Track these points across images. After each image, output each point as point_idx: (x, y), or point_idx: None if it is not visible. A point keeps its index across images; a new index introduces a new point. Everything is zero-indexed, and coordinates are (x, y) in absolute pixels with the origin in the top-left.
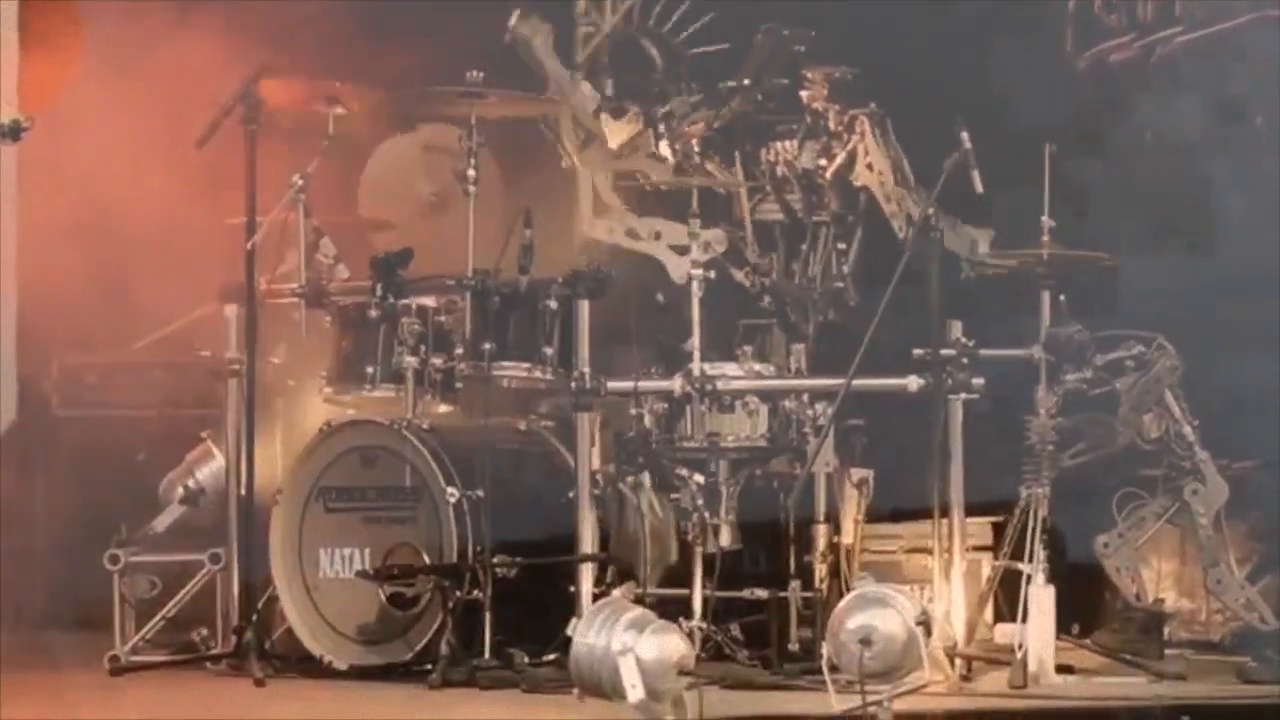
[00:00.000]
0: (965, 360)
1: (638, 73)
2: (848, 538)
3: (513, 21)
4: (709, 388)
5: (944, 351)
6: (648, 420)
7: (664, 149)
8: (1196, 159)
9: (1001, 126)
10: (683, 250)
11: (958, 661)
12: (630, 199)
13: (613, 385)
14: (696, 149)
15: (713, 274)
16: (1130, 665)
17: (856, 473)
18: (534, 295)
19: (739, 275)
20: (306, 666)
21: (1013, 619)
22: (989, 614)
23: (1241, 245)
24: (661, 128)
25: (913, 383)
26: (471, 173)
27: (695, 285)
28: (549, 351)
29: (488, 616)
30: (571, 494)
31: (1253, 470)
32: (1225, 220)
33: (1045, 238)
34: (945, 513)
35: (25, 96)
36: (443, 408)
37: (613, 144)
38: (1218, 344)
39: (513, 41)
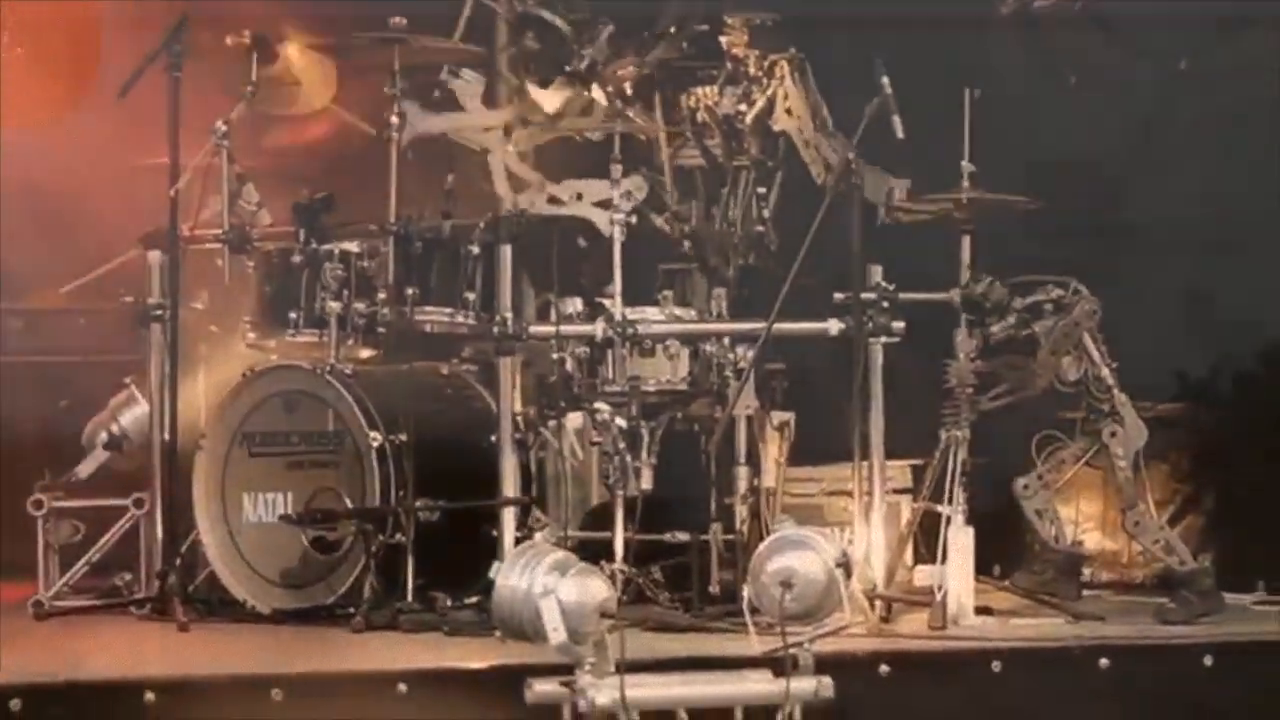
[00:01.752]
0: (885, 304)
1: (549, 42)
2: (769, 480)
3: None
4: (630, 332)
5: (864, 295)
6: (570, 364)
7: (597, 93)
8: (1119, 104)
9: (922, 72)
10: (607, 205)
11: (878, 603)
12: (551, 158)
13: (534, 329)
14: (629, 92)
15: (634, 220)
16: (1049, 606)
17: (777, 416)
18: (457, 240)
19: (659, 221)
20: (229, 611)
21: (932, 561)
22: (909, 556)
23: (1162, 189)
24: (589, 71)
25: (833, 326)
26: (395, 119)
27: (616, 231)
28: (471, 296)
29: (410, 560)
30: (493, 438)
31: (1176, 412)
32: (1144, 164)
33: (965, 183)
34: (865, 456)
35: None
36: (366, 353)
37: (550, 109)
38: (1138, 287)
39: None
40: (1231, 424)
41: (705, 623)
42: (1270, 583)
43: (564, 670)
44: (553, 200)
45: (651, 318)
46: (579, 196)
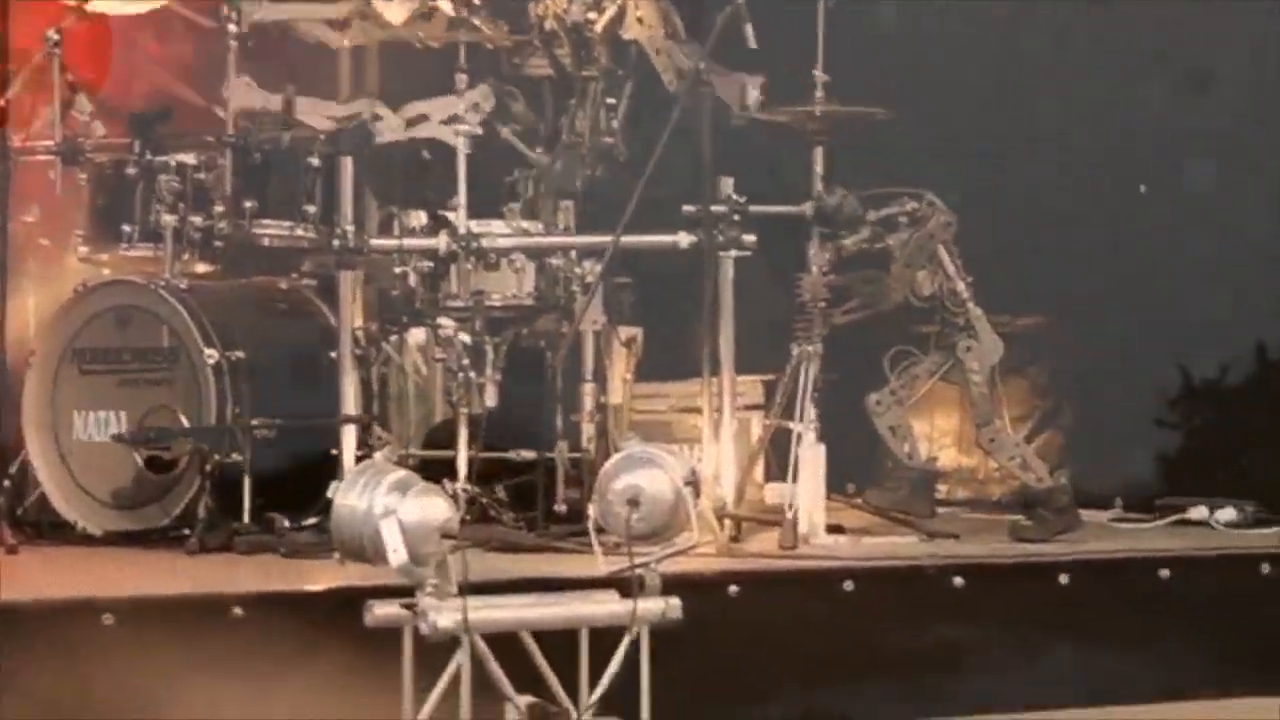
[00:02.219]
0: (736, 217)
1: None
2: (615, 397)
3: None
4: (475, 245)
5: (714, 208)
6: (412, 279)
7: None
8: (981, 16)
9: None
10: (455, 120)
11: (727, 522)
12: (395, 67)
13: (376, 243)
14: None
15: (480, 131)
16: (902, 525)
17: (625, 331)
18: (297, 152)
19: (506, 132)
20: (60, 533)
21: (783, 479)
22: (759, 474)
23: (1022, 104)
24: None
25: (683, 239)
26: (232, 27)
27: (461, 143)
28: (311, 209)
29: (247, 480)
30: (333, 354)
31: (1033, 327)
32: (1004, 79)
33: (819, 93)
34: (715, 371)
35: None
36: (202, 267)
37: (397, 20)
38: (995, 202)
39: None
40: (1090, 339)
41: (550, 543)
42: (1128, 500)
43: (405, 593)
44: (409, 122)
45: (497, 231)
46: (425, 117)
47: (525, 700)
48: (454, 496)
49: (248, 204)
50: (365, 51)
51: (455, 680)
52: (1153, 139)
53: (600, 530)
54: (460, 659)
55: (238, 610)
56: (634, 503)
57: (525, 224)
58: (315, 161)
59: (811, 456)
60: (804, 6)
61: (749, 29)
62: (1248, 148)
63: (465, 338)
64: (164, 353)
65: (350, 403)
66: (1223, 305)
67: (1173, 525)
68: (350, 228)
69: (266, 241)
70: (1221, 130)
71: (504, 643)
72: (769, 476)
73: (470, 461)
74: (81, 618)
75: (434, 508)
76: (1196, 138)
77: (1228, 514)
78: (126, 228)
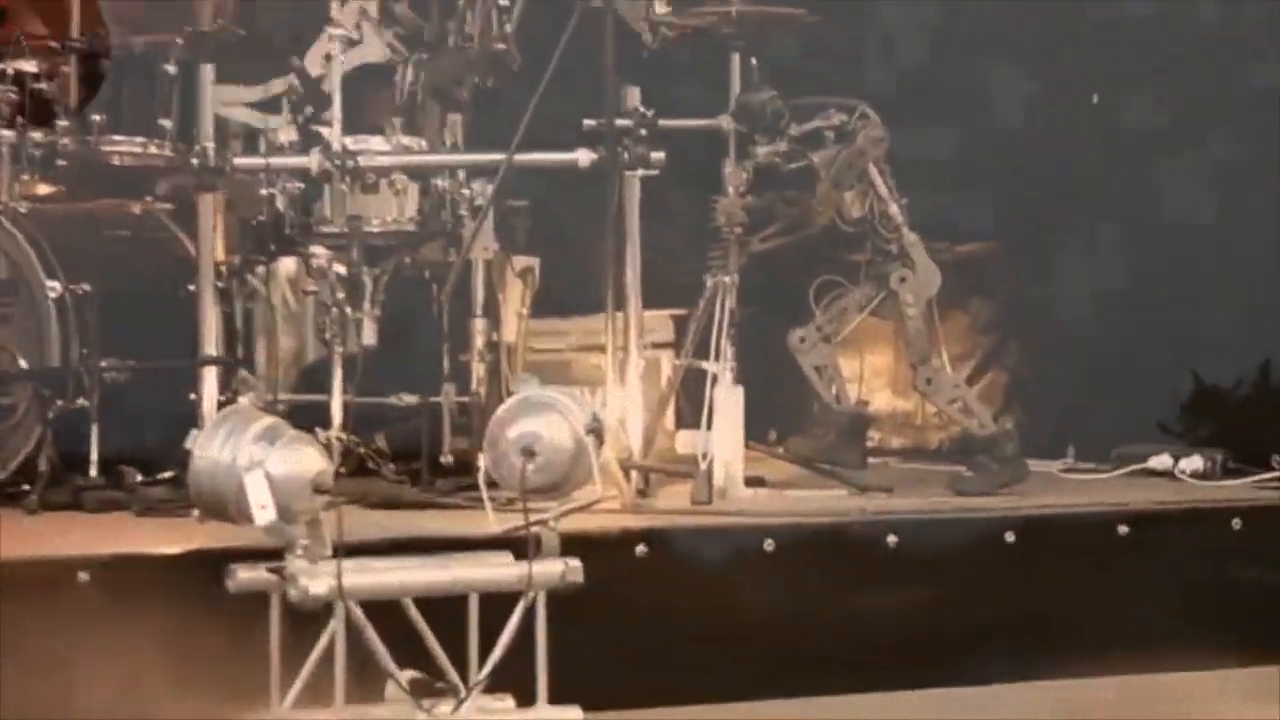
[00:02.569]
0: (643, 132)
1: None
2: (509, 334)
3: None
4: (350, 164)
5: (619, 122)
6: (280, 202)
7: None
8: None
9: None
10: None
11: (634, 474)
12: None
13: (240, 162)
14: None
15: (358, 35)
16: (830, 476)
17: (520, 260)
18: (151, 59)
19: (387, 37)
20: None
21: (696, 425)
22: (669, 420)
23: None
24: None
25: (583, 157)
26: None
27: (335, 48)
28: (167, 124)
29: (95, 429)
30: (192, 287)
31: (975, 254)
32: None
33: None
34: (620, 305)
35: None
36: (44, 189)
37: None
38: (933, 113)
39: None
40: (1039, 268)
41: (436, 498)
42: (1081, 448)
43: (273, 555)
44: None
45: (375, 148)
46: (353, 43)
47: (408, 675)
48: (328, 446)
49: (95, 118)
50: None
51: (329, 653)
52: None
53: (492, 484)
54: (334, 628)
55: (84, 575)
56: (529, 453)
57: (407, 140)
58: (171, 69)
59: (728, 400)
60: None
61: None
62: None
63: (340, 268)
64: (1, 286)
65: (211, 342)
66: (1190, 227)
67: (1132, 476)
68: (210, 145)
69: (116, 160)
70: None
71: (384, 610)
72: (680, 423)
73: (346, 407)
74: None
75: (305, 459)
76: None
77: (1194, 463)
78: None
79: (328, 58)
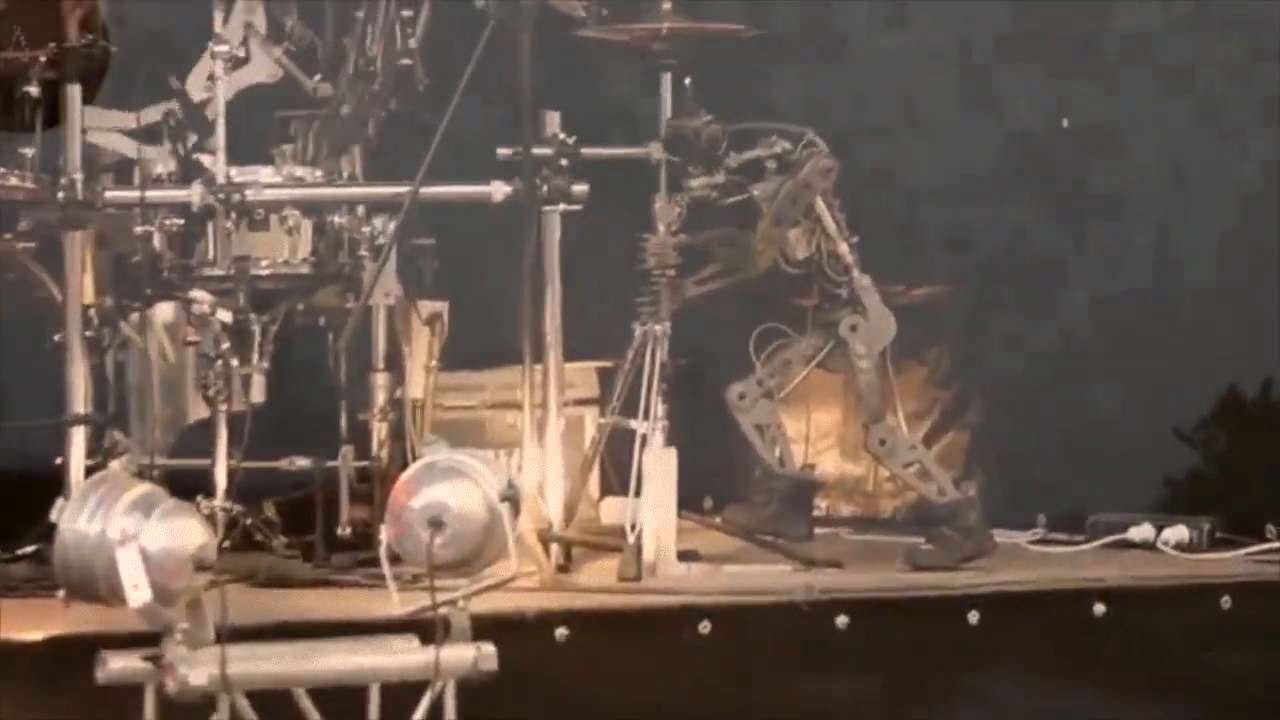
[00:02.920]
0: (565, 161)
1: None
2: (415, 390)
3: None
4: (236, 198)
5: (538, 150)
6: (158, 241)
7: None
8: None
9: None
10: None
11: (554, 548)
12: None
13: (112, 195)
14: None
15: (244, 53)
16: (772, 549)
17: (427, 306)
18: (11, 79)
19: (277, 54)
20: None
21: (624, 492)
22: (594, 486)
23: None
24: None
25: (498, 190)
26: None
27: (219, 68)
28: (29, 153)
29: None
30: (58, 337)
31: (934, 299)
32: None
33: (666, 6)
34: (539, 357)
35: None
36: None
37: None
38: (888, 141)
39: None
40: (1004, 315)
41: (332, 575)
42: (1053, 517)
43: (148, 640)
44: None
45: (265, 180)
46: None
47: None
48: (210, 517)
49: None
50: None
51: None
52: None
53: (395, 559)
54: None
55: None
56: (437, 524)
57: (300, 171)
58: (34, 90)
59: (659, 464)
60: None
61: None
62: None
63: (225, 316)
64: None
65: (79, 399)
66: (1171, 271)
67: (1110, 548)
68: (78, 176)
69: None
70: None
71: (274, 703)
72: (606, 490)
73: (231, 473)
74: None
75: (185, 532)
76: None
77: (1179, 534)
78: None
79: (211, 79)
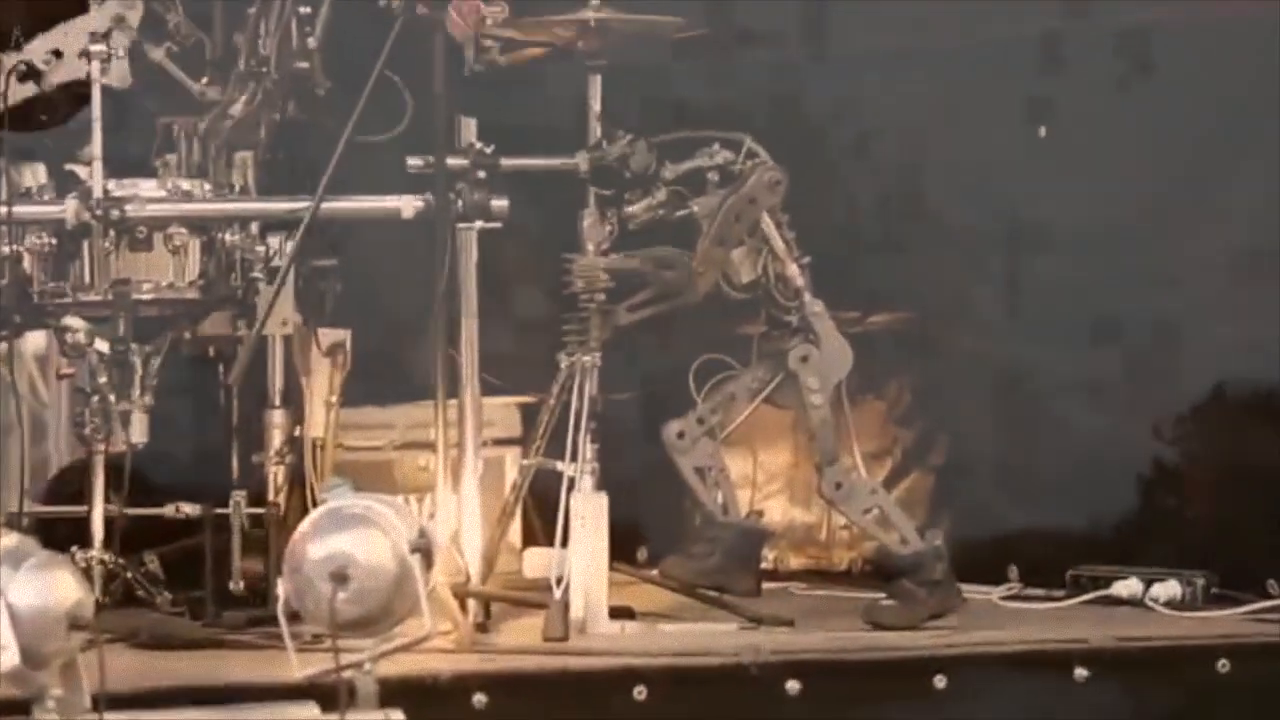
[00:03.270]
0: (482, 174)
1: None
2: (316, 428)
3: None
4: (116, 214)
5: (452, 161)
6: (27, 262)
7: None
8: None
9: None
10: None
11: (471, 604)
12: None
13: None
14: None
15: (121, 53)
16: (715, 606)
17: (328, 335)
18: None
19: (158, 54)
20: None
21: (549, 542)
22: (515, 535)
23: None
24: None
25: (407, 206)
26: None
27: (95, 69)
28: None
29: None
30: None
31: (896, 326)
32: None
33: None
34: (453, 391)
35: None
36: None
37: None
38: (841, 152)
39: None
40: (971, 345)
41: (223, 634)
42: (1028, 570)
43: (17, 708)
44: (29, 73)
45: (147, 193)
46: (57, 55)
47: None
48: (86, 571)
49: None
50: None
51: None
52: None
53: (294, 617)
54: None
55: None
56: (340, 577)
57: (187, 184)
58: None
59: (588, 510)
60: None
61: None
62: None
63: (103, 346)
64: None
65: None
66: (1160, 297)
67: (1092, 605)
68: None
69: None
70: None
71: None
72: (529, 539)
73: (110, 521)
74: None
75: (58, 587)
76: None
77: (1170, 589)
78: None
79: (86, 80)
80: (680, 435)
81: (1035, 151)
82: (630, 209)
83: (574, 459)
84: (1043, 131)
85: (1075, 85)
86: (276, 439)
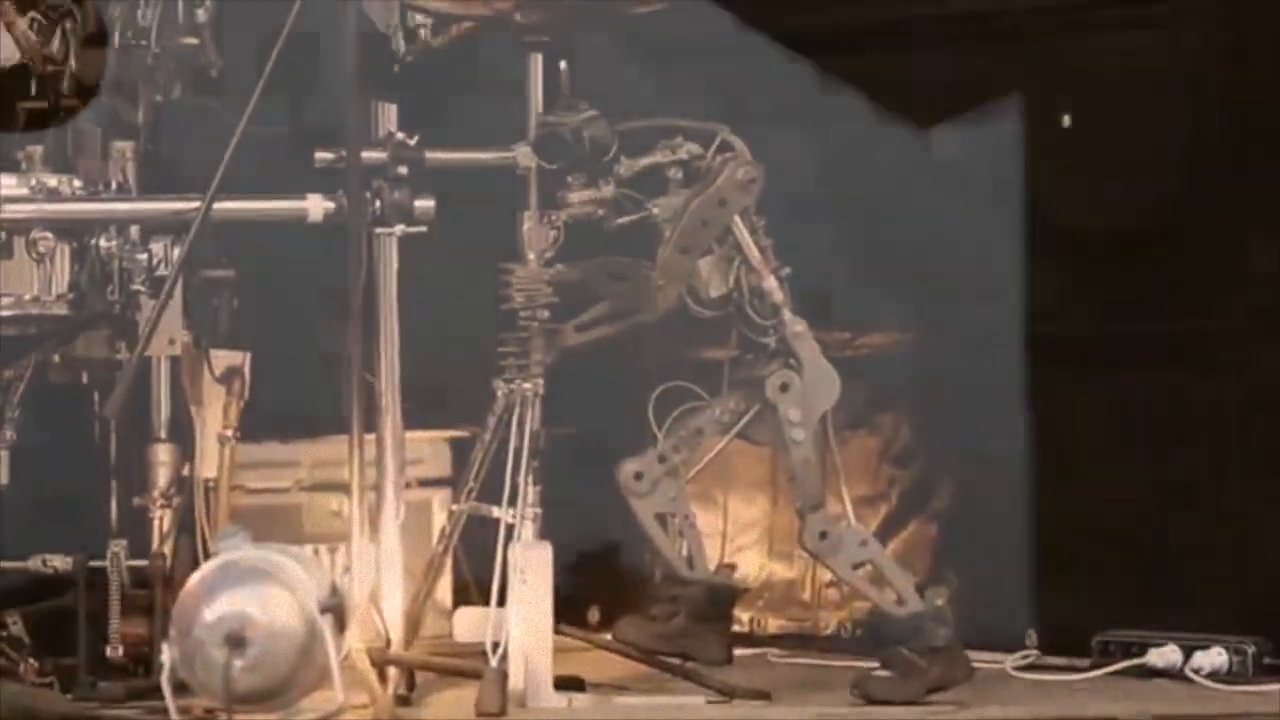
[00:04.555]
0: (403, 169)
1: None
2: (208, 467)
3: None
4: None
5: (367, 155)
6: None
7: None
8: None
9: None
10: None
11: (391, 673)
12: None
13: None
14: None
15: None
16: (678, 675)
17: (223, 357)
18: None
19: (22, 27)
20: None
21: (483, 601)
22: (445, 592)
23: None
24: None
25: (315, 206)
26: None
27: None
28: None
29: None
30: None
31: (889, 347)
32: None
33: None
34: (371, 423)
35: None
36: None
37: None
38: (829, 144)
39: None
40: (979, 369)
41: (99, 709)
42: (1047, 635)
43: None
44: None
45: (7, 191)
46: None
47: None
48: None
49: None
50: None
51: None
52: None
53: (181, 688)
54: None
55: None
56: (237, 641)
57: (55, 180)
58: None
59: (531, 563)
60: None
61: None
62: None
63: None
64: None
65: None
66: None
67: (1122, 676)
68: None
69: None
70: None
71: None
72: (460, 597)
73: None
74: None
75: None
76: None
77: (1213, 658)
78: None
79: None
80: (638, 476)
81: (1058, 144)
82: (568, 195)
83: (513, 503)
84: (1066, 121)
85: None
86: (162, 479)
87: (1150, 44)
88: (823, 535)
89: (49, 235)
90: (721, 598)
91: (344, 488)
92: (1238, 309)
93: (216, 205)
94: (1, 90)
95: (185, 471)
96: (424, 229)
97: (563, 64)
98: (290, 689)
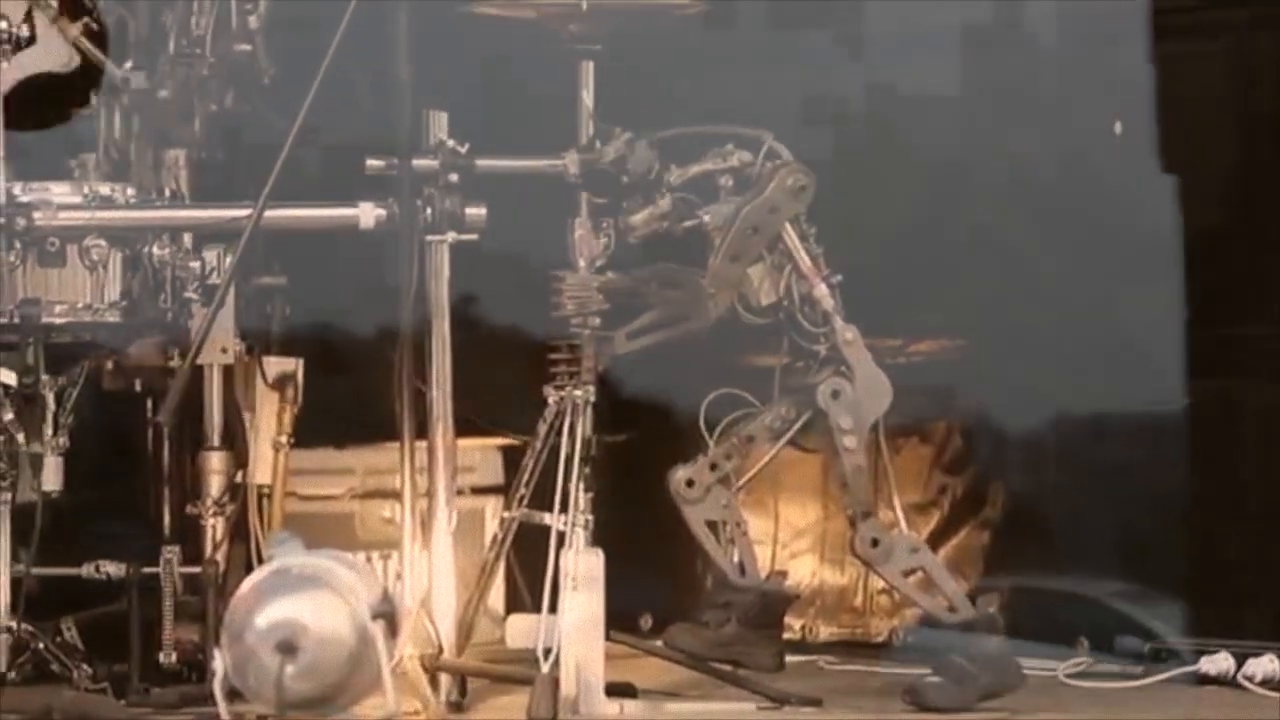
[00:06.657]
0: (455, 176)
1: None
2: (262, 474)
3: None
4: (23, 224)
5: (419, 162)
6: None
7: None
8: None
9: None
10: None
11: (444, 680)
12: None
13: None
14: None
15: (25, 30)
16: (729, 683)
17: (276, 364)
18: None
19: (74, 31)
20: None
21: (535, 608)
22: (497, 600)
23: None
24: None
25: (367, 214)
26: None
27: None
28: None
29: None
30: None
31: (942, 354)
32: None
33: None
34: (423, 431)
35: None
36: None
37: None
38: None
39: None
40: (1032, 377)
41: (152, 714)
42: (1099, 641)
43: None
44: None
45: (59, 199)
46: None
47: None
48: None
49: None
50: None
51: None
52: None
53: (234, 694)
54: None
55: None
56: (289, 648)
57: (107, 189)
58: None
59: (582, 570)
60: None
61: None
62: None
63: (8, 377)
64: None
65: None
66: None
67: (1176, 684)
68: None
69: None
70: None
71: None
72: (513, 604)
73: (17, 582)
74: None
75: None
76: None
77: (1267, 666)
78: None
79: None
80: (689, 484)
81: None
82: (630, 219)
83: (564, 510)
84: (1118, 128)
85: None
86: (215, 486)
87: (1207, 54)
88: (874, 542)
89: (102, 243)
90: (773, 605)
91: (396, 495)
92: None
93: (268, 213)
94: (56, 97)
95: (238, 478)
96: (475, 236)
97: (586, 96)
98: (342, 696)
